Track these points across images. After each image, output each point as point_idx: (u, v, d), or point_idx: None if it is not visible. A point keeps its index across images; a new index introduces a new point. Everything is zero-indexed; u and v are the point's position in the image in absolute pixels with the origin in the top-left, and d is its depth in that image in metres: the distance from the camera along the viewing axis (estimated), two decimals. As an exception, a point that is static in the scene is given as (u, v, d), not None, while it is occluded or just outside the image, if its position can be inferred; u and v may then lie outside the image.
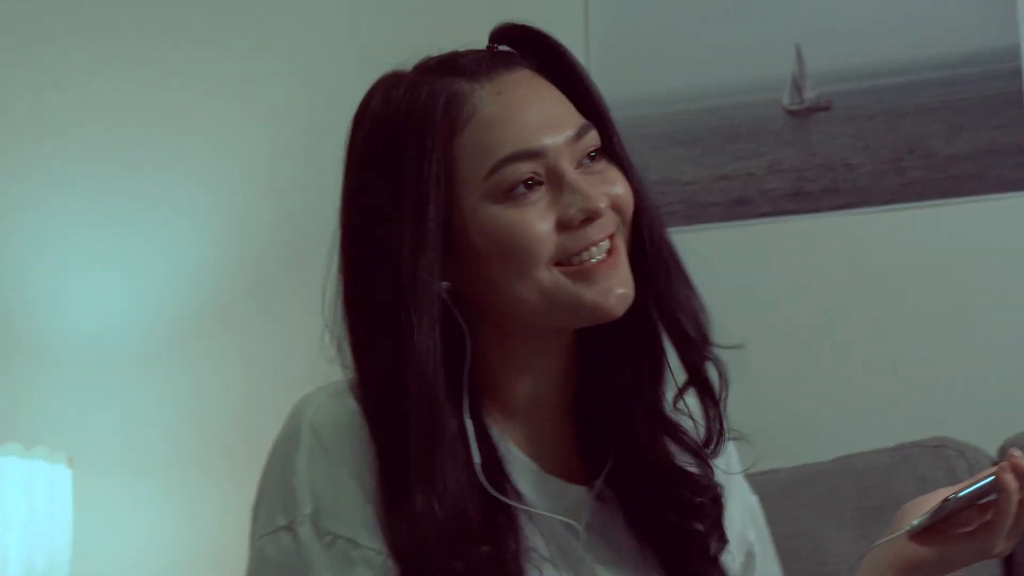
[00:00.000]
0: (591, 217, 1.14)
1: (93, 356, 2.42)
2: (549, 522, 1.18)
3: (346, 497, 1.13)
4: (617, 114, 2.20)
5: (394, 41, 2.21)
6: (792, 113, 2.22)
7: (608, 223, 1.15)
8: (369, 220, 1.16)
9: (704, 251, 2.19)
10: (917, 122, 2.16)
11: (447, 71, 1.18)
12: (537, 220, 1.14)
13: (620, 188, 1.17)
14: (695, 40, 2.27)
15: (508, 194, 1.14)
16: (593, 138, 1.18)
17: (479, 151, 1.14)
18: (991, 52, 2.13)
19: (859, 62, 2.19)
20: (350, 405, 1.16)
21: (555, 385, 1.23)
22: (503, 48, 1.22)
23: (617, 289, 1.15)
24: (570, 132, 1.16)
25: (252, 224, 2.44)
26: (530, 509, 1.17)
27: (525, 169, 1.13)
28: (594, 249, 1.15)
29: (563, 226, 1.14)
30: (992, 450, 1.83)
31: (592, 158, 1.17)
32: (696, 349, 1.23)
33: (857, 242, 2.17)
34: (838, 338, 2.16)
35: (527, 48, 1.22)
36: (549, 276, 1.14)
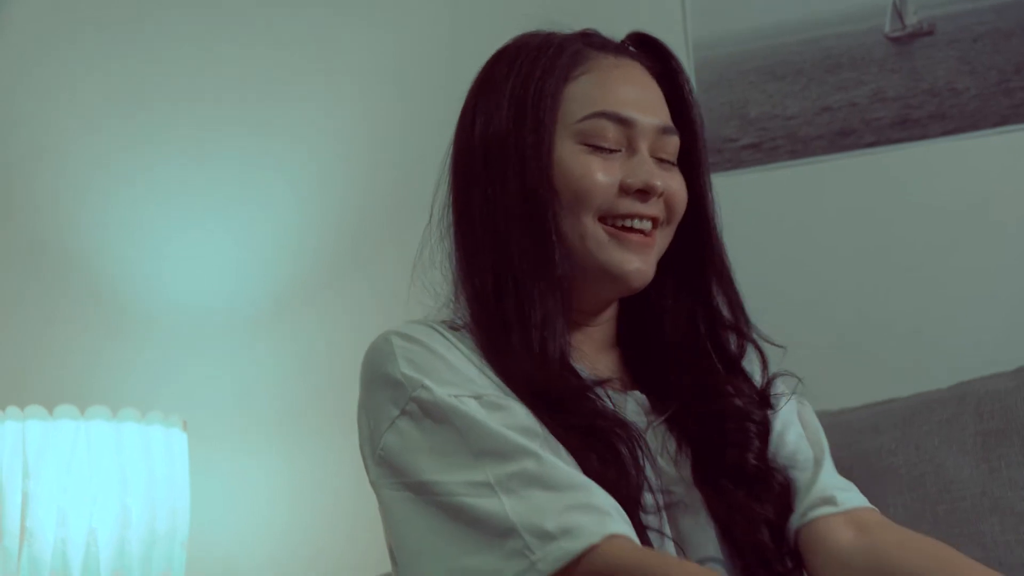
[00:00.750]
0: (646, 191, 1.32)
1: (201, 321, 2.45)
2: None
3: (449, 369, 1.27)
4: (716, 51, 2.25)
5: (496, 13, 2.24)
6: (894, 40, 2.18)
7: (657, 208, 1.34)
8: (490, 133, 1.34)
9: (809, 185, 2.20)
10: (1023, 41, 2.11)
11: (579, 38, 1.39)
12: (603, 171, 1.32)
13: (677, 186, 1.35)
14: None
15: (590, 142, 1.32)
16: (674, 144, 1.36)
17: (582, 99, 1.33)
18: (1098, -35, 2.08)
19: (961, -17, 2.15)
20: (424, 323, 1.34)
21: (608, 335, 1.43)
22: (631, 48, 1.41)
23: (638, 264, 1.33)
24: (658, 123, 1.35)
25: (356, 188, 2.45)
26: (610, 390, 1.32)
27: (612, 130, 1.32)
28: (636, 221, 1.33)
29: (621, 189, 1.32)
30: None
31: (664, 161, 1.35)
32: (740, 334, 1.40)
33: (967, 168, 2.13)
34: (952, 264, 2.12)
35: (651, 54, 1.41)
36: (592, 227, 1.32)
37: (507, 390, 1.26)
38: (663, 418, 1.34)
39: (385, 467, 1.25)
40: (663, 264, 1.38)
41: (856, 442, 1.74)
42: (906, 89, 2.17)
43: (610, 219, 1.33)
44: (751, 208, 2.23)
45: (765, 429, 1.34)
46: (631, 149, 1.33)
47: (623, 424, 1.26)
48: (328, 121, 2.47)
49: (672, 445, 1.33)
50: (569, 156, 1.32)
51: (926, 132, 2.15)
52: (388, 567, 1.37)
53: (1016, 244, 2.09)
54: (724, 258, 1.41)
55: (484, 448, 1.20)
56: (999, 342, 2.05)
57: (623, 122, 1.33)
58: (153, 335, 2.46)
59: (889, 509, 1.58)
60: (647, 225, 1.34)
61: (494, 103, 1.34)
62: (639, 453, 1.24)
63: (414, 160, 2.35)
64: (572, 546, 1.11)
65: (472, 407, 1.22)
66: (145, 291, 2.49)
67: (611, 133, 1.32)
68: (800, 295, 2.15)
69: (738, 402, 1.34)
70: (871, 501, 1.34)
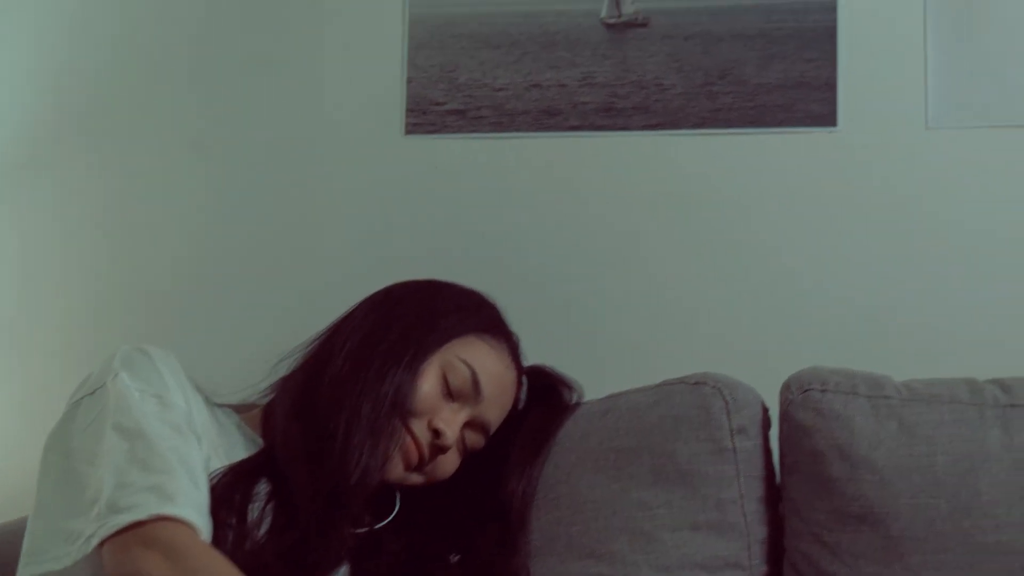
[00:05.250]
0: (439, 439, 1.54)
1: None
2: None
3: (158, 378, 1.44)
4: (432, 10, 2.19)
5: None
6: (609, 27, 2.18)
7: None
8: (365, 343, 1.55)
9: (510, 160, 2.18)
10: (732, 48, 2.14)
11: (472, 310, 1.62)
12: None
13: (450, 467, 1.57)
14: (518, -59, 2.21)
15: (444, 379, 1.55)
16: (480, 441, 1.59)
17: (456, 362, 1.55)
18: (810, -17, 2.13)
19: (680, -19, 2.17)
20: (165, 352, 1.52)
21: None
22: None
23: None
24: (490, 423, 1.58)
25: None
26: None
27: (464, 391, 1.55)
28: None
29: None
30: (774, 387, 1.75)
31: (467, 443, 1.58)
32: None
33: (664, 163, 2.15)
34: (640, 258, 2.14)
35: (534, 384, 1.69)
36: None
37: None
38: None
39: (55, 430, 1.42)
40: None
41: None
42: (615, 77, 2.17)
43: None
44: (451, 172, 2.20)
45: None
46: (465, 404, 1.58)
47: None
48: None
49: None
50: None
51: (629, 123, 2.16)
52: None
53: (708, 241, 2.13)
54: None
55: (118, 423, 1.35)
56: (679, 347, 2.10)
57: (477, 391, 1.58)
58: None
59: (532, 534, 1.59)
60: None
61: (381, 327, 1.56)
62: None
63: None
64: (121, 519, 1.25)
65: (139, 395, 1.38)
66: None
67: (462, 388, 1.57)
68: (487, 268, 2.14)
69: None
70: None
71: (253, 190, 2.25)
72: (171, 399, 1.41)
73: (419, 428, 1.52)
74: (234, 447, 1.49)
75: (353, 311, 1.62)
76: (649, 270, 2.14)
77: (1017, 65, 2.06)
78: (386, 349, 1.53)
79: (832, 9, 2.11)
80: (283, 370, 1.60)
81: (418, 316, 1.58)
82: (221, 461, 1.43)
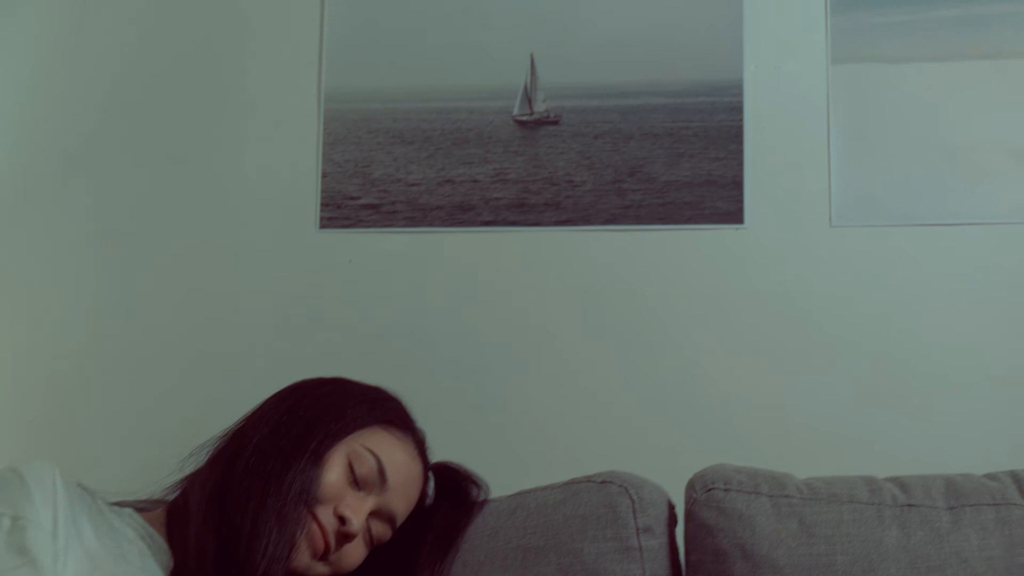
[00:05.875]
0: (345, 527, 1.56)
1: None
2: None
3: (27, 498, 1.41)
4: (348, 105, 2.22)
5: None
6: (521, 123, 2.22)
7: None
8: (272, 436, 1.57)
9: (424, 254, 2.20)
10: (641, 146, 2.19)
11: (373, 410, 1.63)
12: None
13: (357, 557, 1.58)
14: (431, 39, 2.24)
15: (350, 467, 1.57)
16: (387, 532, 1.61)
17: (362, 451, 1.57)
18: (716, 85, 2.18)
19: (591, 80, 2.21)
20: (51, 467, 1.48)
21: None
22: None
23: None
24: (396, 514, 1.60)
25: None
26: None
27: (369, 479, 1.57)
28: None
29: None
30: (682, 482, 1.76)
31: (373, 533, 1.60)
32: None
33: (575, 259, 2.18)
34: (551, 353, 2.17)
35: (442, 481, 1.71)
36: None
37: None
38: None
39: None
40: None
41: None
42: (527, 173, 2.21)
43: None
44: (365, 266, 2.21)
45: None
46: (371, 494, 1.61)
47: None
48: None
49: None
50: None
51: (540, 219, 2.19)
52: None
53: (617, 336, 2.16)
54: None
55: None
56: (586, 426, 2.12)
57: (382, 480, 1.60)
58: None
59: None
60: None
61: (286, 425, 1.58)
62: None
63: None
64: None
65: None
66: None
67: (368, 478, 1.59)
68: (400, 361, 2.16)
69: None
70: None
71: (165, 283, 2.25)
72: (33, 519, 1.38)
73: (325, 516, 1.53)
74: (126, 554, 1.47)
75: (261, 406, 1.63)
76: (559, 365, 2.16)
77: (914, 166, 2.12)
78: (292, 440, 1.54)
79: (738, 110, 2.16)
80: (190, 467, 1.60)
81: (324, 408, 1.60)
82: (106, 572, 1.42)
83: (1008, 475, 1.70)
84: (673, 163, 2.17)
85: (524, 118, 2.22)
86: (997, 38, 2.14)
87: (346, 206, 2.23)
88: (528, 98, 2.21)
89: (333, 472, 1.54)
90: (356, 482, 1.56)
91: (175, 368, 2.22)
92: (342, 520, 1.53)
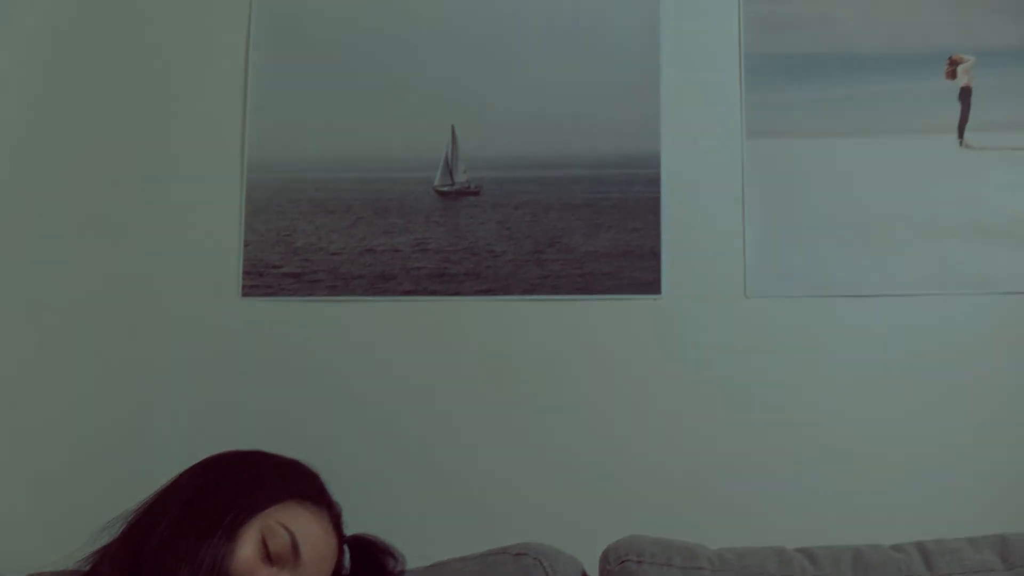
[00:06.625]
0: None
1: None
2: None
3: None
4: (271, 174, 2.23)
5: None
6: (442, 194, 2.25)
7: None
8: (186, 510, 1.57)
9: (346, 323, 2.21)
10: (560, 216, 2.22)
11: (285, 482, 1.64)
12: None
13: None
14: (355, 109, 2.26)
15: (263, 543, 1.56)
16: None
17: (275, 526, 1.56)
18: (635, 157, 2.21)
19: (511, 151, 2.24)
20: None
21: None
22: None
23: None
24: None
25: None
26: None
27: (283, 555, 1.57)
28: None
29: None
30: (597, 553, 1.77)
31: None
32: None
33: (494, 328, 2.20)
34: (470, 422, 2.18)
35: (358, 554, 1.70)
36: None
37: None
38: None
39: None
40: None
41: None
42: (448, 243, 2.23)
43: None
44: (287, 335, 2.22)
45: None
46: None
47: None
48: None
49: None
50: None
51: (461, 288, 2.21)
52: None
53: (536, 406, 2.18)
54: None
55: None
56: (502, 497, 2.13)
57: (295, 554, 1.60)
58: None
59: None
60: None
61: (195, 509, 1.57)
62: None
63: None
64: None
65: None
66: None
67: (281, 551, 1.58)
68: (319, 430, 2.16)
69: None
70: None
71: (84, 354, 2.24)
72: None
73: None
74: None
75: (176, 480, 1.62)
76: (478, 433, 2.17)
77: (826, 238, 2.17)
78: (206, 515, 1.54)
79: (656, 182, 2.20)
80: (104, 539, 1.59)
81: (239, 483, 1.60)
82: None
83: (914, 546, 1.73)
84: (592, 234, 2.21)
85: (445, 188, 2.24)
86: (909, 113, 2.20)
87: (268, 274, 2.24)
88: (449, 169, 2.24)
89: (246, 548, 1.54)
90: (269, 558, 1.56)
91: (96, 439, 2.21)
92: None
